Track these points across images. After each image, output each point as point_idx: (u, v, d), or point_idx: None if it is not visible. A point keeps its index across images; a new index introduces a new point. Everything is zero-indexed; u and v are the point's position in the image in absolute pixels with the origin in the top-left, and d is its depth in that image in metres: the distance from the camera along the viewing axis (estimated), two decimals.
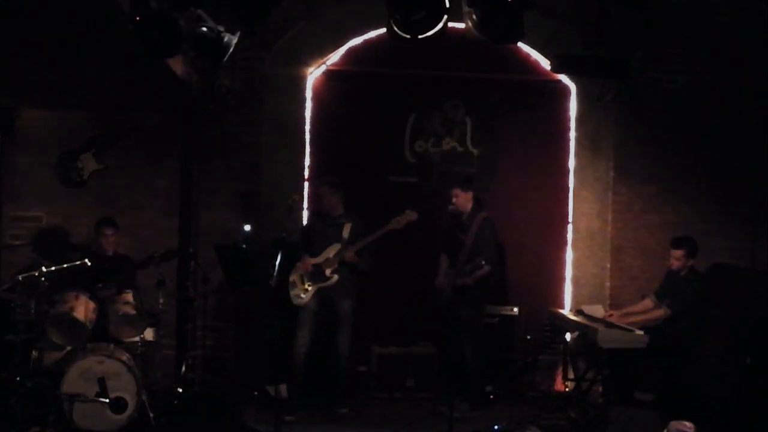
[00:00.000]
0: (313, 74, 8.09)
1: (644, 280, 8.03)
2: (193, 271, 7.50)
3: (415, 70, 8.11)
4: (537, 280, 8.28)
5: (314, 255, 7.06)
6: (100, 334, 6.49)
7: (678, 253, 7.00)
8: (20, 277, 6.25)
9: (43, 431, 5.92)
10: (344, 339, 7.04)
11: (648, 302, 7.20)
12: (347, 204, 7.18)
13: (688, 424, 5.57)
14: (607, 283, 8.19)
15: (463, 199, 7.21)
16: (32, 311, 6.16)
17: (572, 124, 8.34)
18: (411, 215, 6.99)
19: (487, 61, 7.99)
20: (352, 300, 7.07)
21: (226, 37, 5.34)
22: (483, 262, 6.91)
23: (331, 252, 7.01)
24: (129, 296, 6.63)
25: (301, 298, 7.03)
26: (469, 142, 8.29)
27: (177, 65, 6.30)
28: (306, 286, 7.02)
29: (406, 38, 5.11)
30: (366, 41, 8.00)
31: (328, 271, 6.99)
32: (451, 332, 7.15)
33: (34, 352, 6.24)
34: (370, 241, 6.97)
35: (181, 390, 6.81)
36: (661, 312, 6.92)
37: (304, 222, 7.85)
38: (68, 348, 6.36)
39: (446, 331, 7.23)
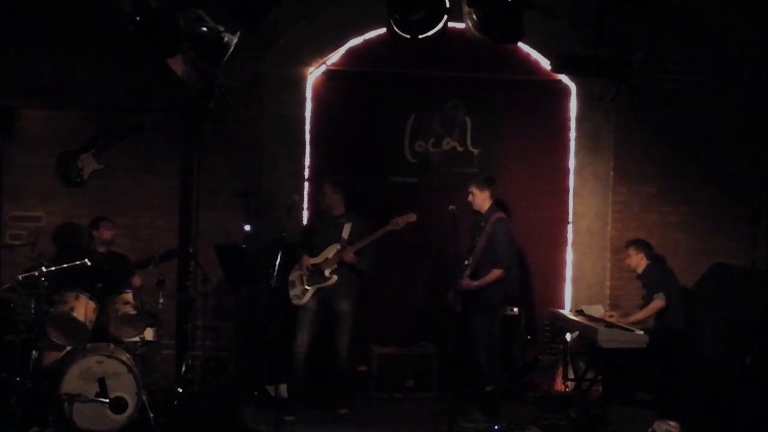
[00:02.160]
0: (313, 74, 8.09)
1: None
2: (193, 271, 7.50)
3: (415, 70, 8.11)
4: (537, 280, 8.28)
5: (314, 255, 7.06)
6: (100, 334, 6.50)
7: (628, 251, 7.54)
8: (20, 277, 6.25)
9: (43, 431, 5.92)
10: (344, 339, 7.03)
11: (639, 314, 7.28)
12: (348, 204, 7.18)
13: (672, 423, 5.58)
14: (607, 283, 8.19)
15: (479, 198, 7.06)
16: (32, 311, 6.17)
17: (572, 124, 8.34)
18: (410, 216, 6.97)
19: (487, 61, 7.98)
20: (352, 300, 7.05)
21: (226, 37, 5.34)
22: (466, 262, 6.78)
23: (331, 252, 7.01)
24: (129, 296, 6.63)
25: (300, 298, 7.03)
26: (469, 142, 8.28)
27: (177, 65, 6.29)
28: (305, 287, 7.02)
29: (406, 38, 5.10)
30: (366, 41, 8.01)
31: (327, 272, 6.99)
32: (464, 339, 6.97)
33: (34, 352, 6.23)
34: (370, 242, 6.97)
35: (181, 390, 6.81)
36: (660, 302, 7.00)
37: (304, 222, 7.85)
38: (68, 348, 6.36)
39: (456, 336, 6.98)
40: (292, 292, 7.07)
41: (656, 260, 7.56)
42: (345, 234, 7.02)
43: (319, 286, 7.00)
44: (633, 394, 6.78)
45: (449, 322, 6.85)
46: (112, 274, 6.95)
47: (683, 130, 8.20)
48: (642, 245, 7.57)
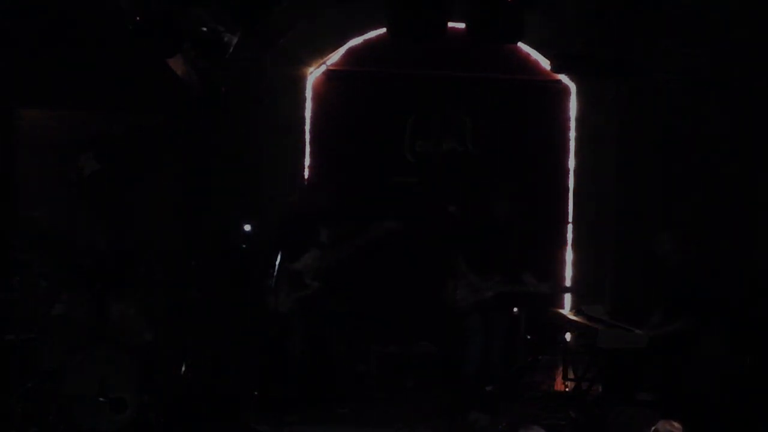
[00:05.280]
0: (313, 74, 8.09)
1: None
2: (193, 271, 7.49)
3: (415, 70, 8.11)
4: (537, 280, 8.25)
5: (294, 260, 6.99)
6: (100, 334, 6.49)
7: None
8: (20, 278, 6.25)
9: (42, 431, 5.92)
10: (342, 340, 7.01)
11: None
12: (339, 207, 7.12)
13: (676, 424, 5.57)
14: (607, 284, 8.19)
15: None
16: (32, 311, 6.17)
17: (572, 124, 8.34)
18: (391, 225, 6.87)
19: (487, 61, 7.99)
20: (344, 301, 7.02)
21: (226, 37, 5.36)
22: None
23: (311, 259, 6.95)
24: (129, 296, 6.62)
25: (282, 304, 6.97)
26: (469, 142, 8.29)
27: (177, 65, 6.30)
28: (287, 293, 6.97)
29: (407, 38, 5.12)
30: (366, 41, 8.01)
31: (307, 279, 6.94)
32: (463, 339, 6.97)
33: (34, 353, 6.24)
34: (350, 249, 6.91)
35: (181, 390, 6.81)
36: None
37: (303, 221, 7.83)
38: (68, 348, 6.35)
39: (456, 335, 6.99)
40: (274, 298, 7.00)
41: None
42: (324, 238, 6.96)
43: (299, 293, 6.96)
44: (633, 394, 6.77)
45: (449, 321, 6.85)
46: (120, 273, 6.94)
47: (683, 130, 8.19)
48: None
